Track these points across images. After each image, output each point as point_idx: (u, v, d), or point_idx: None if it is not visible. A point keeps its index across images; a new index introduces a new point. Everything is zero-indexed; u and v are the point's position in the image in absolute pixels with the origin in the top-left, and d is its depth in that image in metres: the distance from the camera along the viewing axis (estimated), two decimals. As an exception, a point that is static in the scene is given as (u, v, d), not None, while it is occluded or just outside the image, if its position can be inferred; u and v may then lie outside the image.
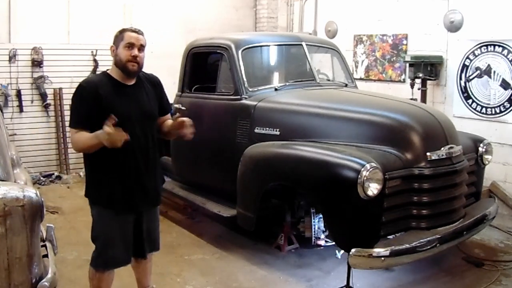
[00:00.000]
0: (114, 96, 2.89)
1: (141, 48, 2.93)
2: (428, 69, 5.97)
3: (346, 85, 5.14)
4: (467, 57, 5.85)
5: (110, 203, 2.96)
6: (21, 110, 6.50)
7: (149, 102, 3.03)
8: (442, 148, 3.65)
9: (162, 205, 5.53)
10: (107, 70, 3.03)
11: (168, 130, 3.16)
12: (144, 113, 2.98)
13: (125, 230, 3.04)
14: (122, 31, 2.96)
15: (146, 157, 3.01)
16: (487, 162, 4.32)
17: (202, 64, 5.23)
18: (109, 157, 2.85)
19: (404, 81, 6.50)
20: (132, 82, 3.00)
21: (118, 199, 2.95)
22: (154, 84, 3.14)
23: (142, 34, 2.97)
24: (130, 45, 2.88)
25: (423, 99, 6.00)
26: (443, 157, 3.64)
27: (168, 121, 3.20)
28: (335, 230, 3.59)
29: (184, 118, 3.01)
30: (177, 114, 3.08)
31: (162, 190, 5.00)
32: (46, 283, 2.35)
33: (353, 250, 3.26)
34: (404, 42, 6.54)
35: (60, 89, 6.75)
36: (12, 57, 6.36)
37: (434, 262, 4.05)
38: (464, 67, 5.89)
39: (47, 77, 6.59)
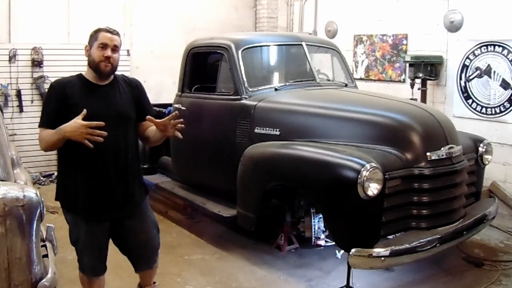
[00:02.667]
0: (82, 96, 2.81)
1: (115, 48, 2.84)
2: (428, 69, 5.97)
3: (346, 85, 5.13)
4: (467, 57, 5.85)
5: (75, 209, 2.88)
6: (21, 110, 6.50)
7: (122, 103, 2.89)
8: (442, 148, 3.65)
9: (162, 205, 5.57)
10: (82, 72, 2.94)
11: (153, 135, 2.97)
12: (116, 114, 2.84)
13: (98, 239, 2.91)
14: (97, 31, 2.87)
15: (116, 160, 2.86)
16: (487, 162, 4.32)
17: (202, 64, 5.23)
18: (76, 160, 2.78)
19: (404, 81, 6.50)
20: (106, 82, 2.91)
21: (81, 205, 2.84)
22: (132, 86, 3.01)
23: (117, 34, 2.89)
24: (104, 46, 2.81)
25: (423, 99, 6.00)
26: (443, 157, 3.63)
27: (151, 128, 2.96)
28: (335, 230, 3.58)
29: (165, 121, 2.80)
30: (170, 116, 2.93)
31: (161, 189, 4.98)
32: (46, 283, 2.34)
33: (353, 250, 3.26)
34: (404, 42, 6.54)
35: (60, 89, 6.74)
36: (12, 57, 6.36)
37: (434, 262, 4.05)
38: (464, 67, 5.89)
39: (47, 77, 6.58)
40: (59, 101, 2.80)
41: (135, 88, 3.02)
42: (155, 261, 3.18)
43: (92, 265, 2.95)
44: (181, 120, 2.80)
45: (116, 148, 2.84)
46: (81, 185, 2.83)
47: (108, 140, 2.70)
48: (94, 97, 2.84)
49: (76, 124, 2.62)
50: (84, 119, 2.65)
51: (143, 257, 3.11)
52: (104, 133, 2.62)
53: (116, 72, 2.96)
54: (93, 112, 2.71)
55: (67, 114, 2.72)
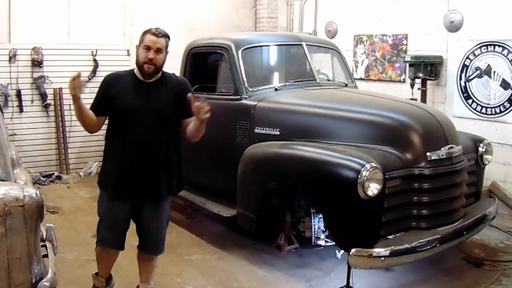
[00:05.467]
0: (126, 90, 3.07)
1: (158, 50, 3.04)
2: (428, 69, 5.97)
3: (346, 85, 5.13)
4: (467, 57, 5.85)
5: (105, 186, 3.18)
6: (21, 110, 6.49)
7: (162, 100, 3.08)
8: (442, 148, 3.66)
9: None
10: (135, 68, 3.18)
11: (191, 127, 3.14)
12: (153, 110, 3.05)
13: (117, 216, 3.15)
14: (145, 32, 3.09)
15: (148, 153, 3.07)
16: (487, 162, 4.32)
17: (202, 64, 5.23)
18: (113, 146, 3.12)
19: (404, 81, 6.50)
20: (152, 79, 3.12)
21: (111, 184, 3.12)
22: (177, 85, 3.19)
23: (162, 36, 3.07)
24: (147, 48, 3.03)
25: (423, 99, 6.00)
26: (443, 157, 3.64)
27: (192, 123, 3.15)
28: (335, 230, 3.59)
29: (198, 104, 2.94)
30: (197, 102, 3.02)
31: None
32: (46, 283, 2.34)
33: (353, 250, 3.26)
34: (404, 42, 6.54)
35: (60, 89, 6.75)
36: (12, 57, 6.35)
37: (434, 262, 4.04)
38: (464, 67, 5.89)
39: (47, 77, 6.59)
40: (104, 92, 3.11)
41: (179, 87, 3.20)
42: (161, 250, 3.37)
43: (107, 238, 3.20)
44: (207, 107, 2.92)
45: (150, 140, 3.05)
46: (113, 169, 3.12)
47: (142, 133, 3.02)
48: (135, 92, 3.08)
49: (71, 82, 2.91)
50: (119, 112, 3.04)
51: (151, 242, 3.30)
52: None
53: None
54: (130, 106, 3.04)
55: (110, 105, 3.07)
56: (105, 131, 3.29)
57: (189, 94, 2.98)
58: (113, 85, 3.10)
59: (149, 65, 3.03)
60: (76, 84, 2.88)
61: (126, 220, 3.20)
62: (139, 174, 3.09)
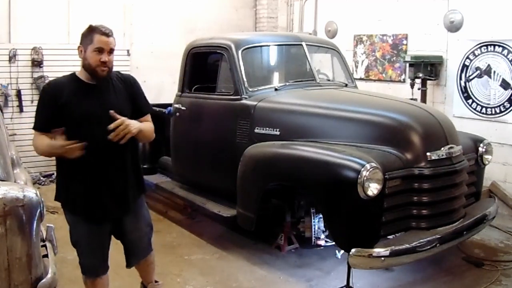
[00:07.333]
0: (75, 97, 2.77)
1: (111, 51, 2.80)
2: (428, 69, 5.97)
3: (346, 85, 5.13)
4: (467, 57, 5.85)
5: (74, 210, 2.88)
6: (21, 110, 6.49)
7: (116, 101, 2.84)
8: (442, 148, 3.65)
9: (162, 205, 5.57)
10: (75, 72, 2.89)
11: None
12: (108, 113, 2.74)
13: (100, 239, 2.93)
14: (91, 31, 2.77)
15: (113, 160, 2.83)
16: (487, 162, 4.32)
17: (202, 64, 5.23)
18: (74, 161, 2.71)
19: (404, 81, 6.50)
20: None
21: (81, 206, 2.84)
22: (127, 83, 2.97)
23: (112, 34, 2.82)
24: (99, 50, 2.75)
25: (423, 99, 6.00)
26: (443, 157, 3.64)
27: (144, 123, 2.96)
28: (335, 230, 3.58)
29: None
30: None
31: (161, 189, 4.95)
32: (46, 283, 2.35)
33: (353, 250, 3.26)
34: (404, 42, 6.54)
35: (60, 89, 6.74)
36: (12, 57, 6.35)
37: (434, 262, 4.05)
38: (464, 67, 5.89)
39: (47, 77, 6.57)
40: (53, 103, 2.76)
41: (129, 85, 2.98)
42: (144, 256, 3.19)
43: (94, 265, 2.95)
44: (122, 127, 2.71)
45: (112, 148, 2.74)
46: (79, 187, 2.82)
47: (103, 140, 2.68)
48: (87, 97, 2.79)
49: (57, 149, 2.68)
50: (74, 121, 2.72)
51: (133, 254, 3.14)
52: (79, 145, 2.63)
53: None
54: (86, 112, 2.75)
55: (61, 116, 2.74)
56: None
57: (111, 112, 2.68)
58: (59, 94, 2.75)
59: (103, 67, 2.76)
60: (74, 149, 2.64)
61: (108, 241, 3.00)
62: (110, 186, 2.85)
